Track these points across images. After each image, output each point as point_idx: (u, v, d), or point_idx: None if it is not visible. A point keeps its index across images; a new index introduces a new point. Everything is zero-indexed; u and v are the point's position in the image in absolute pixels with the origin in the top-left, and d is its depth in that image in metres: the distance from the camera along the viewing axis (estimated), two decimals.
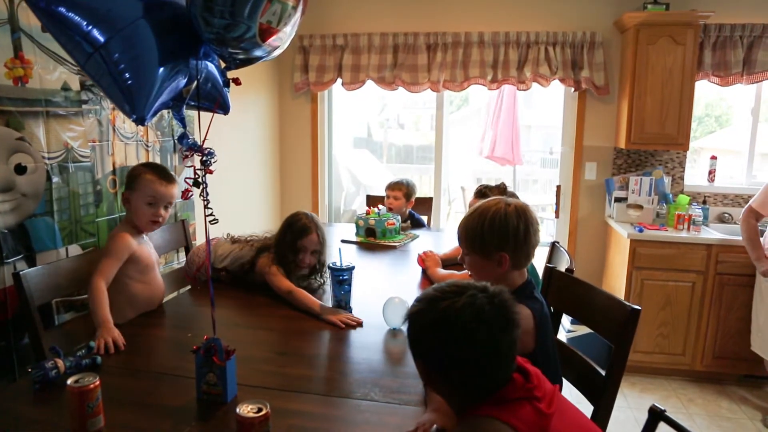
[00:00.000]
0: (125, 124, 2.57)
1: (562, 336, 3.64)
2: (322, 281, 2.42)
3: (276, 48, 1.42)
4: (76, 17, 1.19)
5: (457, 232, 1.64)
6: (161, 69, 1.29)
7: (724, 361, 3.47)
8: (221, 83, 1.50)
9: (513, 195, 2.32)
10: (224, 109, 1.56)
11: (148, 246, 2.17)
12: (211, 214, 1.39)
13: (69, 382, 1.28)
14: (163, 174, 2.10)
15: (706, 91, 3.93)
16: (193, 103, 1.46)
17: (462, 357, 1.04)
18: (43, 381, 1.48)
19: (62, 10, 1.17)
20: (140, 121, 1.27)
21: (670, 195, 3.80)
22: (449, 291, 1.08)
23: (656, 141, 3.60)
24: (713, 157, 3.97)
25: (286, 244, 2.31)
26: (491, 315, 1.04)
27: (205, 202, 1.37)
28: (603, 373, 1.64)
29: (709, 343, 3.46)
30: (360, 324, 1.98)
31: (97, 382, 1.29)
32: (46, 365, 1.50)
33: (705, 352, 3.48)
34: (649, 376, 3.60)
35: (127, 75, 1.22)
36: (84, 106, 2.32)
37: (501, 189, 2.46)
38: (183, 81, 1.35)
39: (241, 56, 1.36)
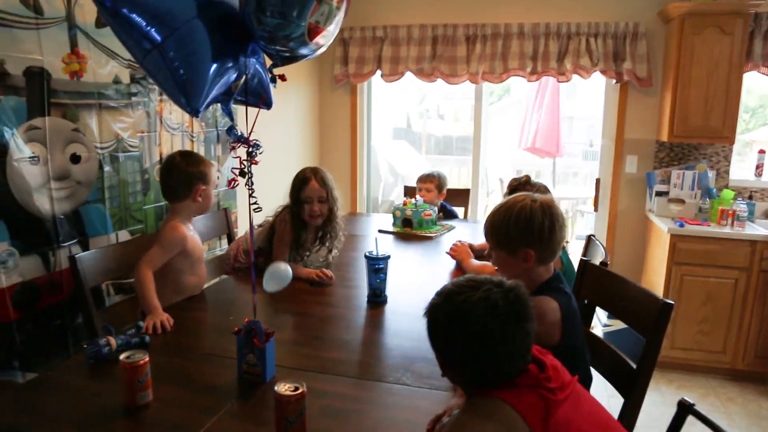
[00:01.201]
0: (171, 116, 2.68)
1: (599, 330, 3.63)
2: (336, 241, 2.55)
3: (321, 46, 1.49)
4: (138, 17, 1.29)
5: (483, 227, 1.67)
6: (214, 65, 1.37)
7: (767, 361, 3.41)
8: (266, 80, 1.57)
9: (542, 187, 2.33)
10: (268, 104, 1.64)
11: (195, 236, 2.22)
12: (255, 203, 1.47)
13: (121, 357, 1.39)
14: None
15: (762, 82, 3.83)
16: (240, 98, 1.54)
17: (477, 350, 1.09)
18: (97, 357, 1.59)
19: (125, 10, 1.27)
20: (195, 113, 1.36)
21: (714, 190, 3.73)
22: (466, 286, 1.13)
23: (700, 134, 3.54)
24: (761, 151, 3.87)
25: (294, 200, 2.45)
26: (505, 309, 1.09)
27: (250, 191, 1.46)
28: (634, 366, 1.66)
29: (752, 342, 3.40)
30: (331, 278, 2.30)
31: (147, 359, 1.39)
32: (100, 342, 1.61)
33: (747, 350, 3.42)
34: (688, 373, 3.56)
35: (182, 70, 1.31)
36: (133, 99, 2.44)
37: (525, 182, 2.46)
38: (233, 76, 1.43)
39: (288, 54, 1.44)
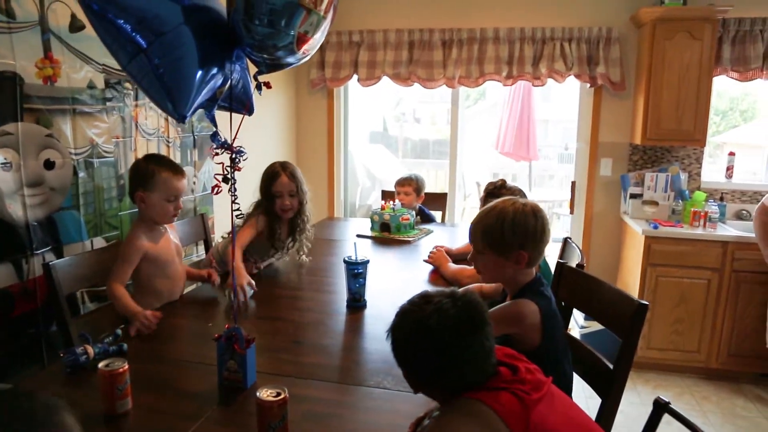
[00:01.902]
0: (147, 121, 2.67)
1: (576, 332, 3.69)
2: (305, 237, 2.60)
3: (307, 55, 1.51)
4: (124, 21, 1.29)
5: (469, 231, 1.70)
6: (200, 71, 1.38)
7: (740, 359, 3.50)
8: (250, 86, 1.58)
9: (517, 191, 2.37)
10: (250, 111, 1.65)
11: (166, 238, 2.21)
12: (238, 209, 1.48)
13: (100, 366, 1.38)
14: (176, 169, 2.15)
15: (731, 86, 3.93)
16: (224, 104, 1.55)
17: (441, 361, 1.12)
18: (74, 365, 1.58)
19: (112, 14, 1.27)
20: (181, 119, 1.36)
21: (687, 192, 3.82)
22: (419, 302, 1.17)
23: (673, 137, 3.63)
24: (731, 153, 3.98)
25: (264, 194, 2.50)
26: (457, 318, 1.12)
27: (233, 198, 1.47)
28: (611, 367, 1.69)
29: (725, 341, 3.49)
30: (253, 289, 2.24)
31: (126, 367, 1.38)
32: (77, 350, 1.60)
33: (720, 349, 3.51)
34: (663, 373, 3.64)
35: (169, 76, 1.31)
36: (108, 104, 2.43)
37: (500, 185, 2.50)
38: (219, 82, 1.44)
39: (274, 62, 1.45)
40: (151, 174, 2.07)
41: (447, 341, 1.11)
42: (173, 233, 2.28)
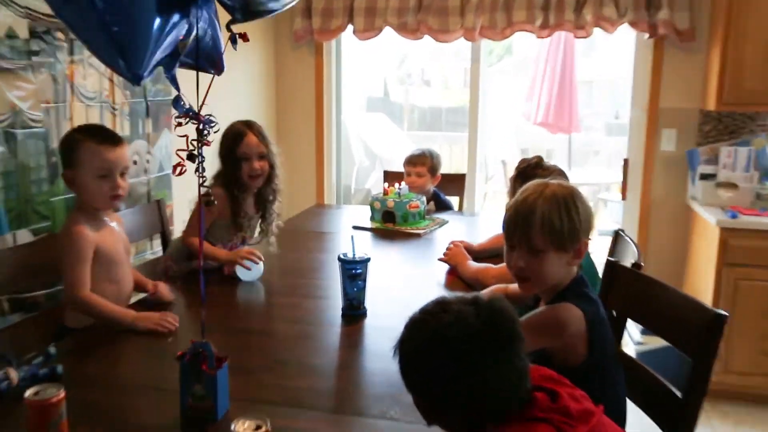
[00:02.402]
0: (86, 81, 2.66)
1: (631, 349, 3.69)
2: (275, 208, 2.69)
3: None
4: None
5: (510, 224, 1.68)
6: (159, 17, 1.35)
7: None
8: (220, 38, 1.57)
9: (557, 170, 2.37)
10: (220, 69, 1.63)
11: (111, 232, 2.18)
12: (207, 194, 1.46)
13: (27, 394, 1.36)
14: (107, 136, 2.11)
15: None
16: (188, 61, 1.53)
17: (456, 386, 1.12)
18: None
19: None
20: (136, 79, 1.34)
21: None
22: (434, 310, 1.18)
23: (759, 101, 3.59)
24: None
25: (227, 160, 2.54)
26: (480, 331, 1.13)
27: (202, 179, 1.45)
28: (679, 395, 1.68)
29: None
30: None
31: (62, 395, 1.36)
32: None
33: None
34: (747, 405, 3.60)
35: (119, 25, 1.28)
36: (35, 59, 2.41)
37: (536, 164, 2.50)
38: (182, 32, 1.42)
39: (256, 7, 1.43)
40: (74, 145, 2.05)
41: (468, 359, 1.11)
42: (119, 226, 2.25)
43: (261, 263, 2.45)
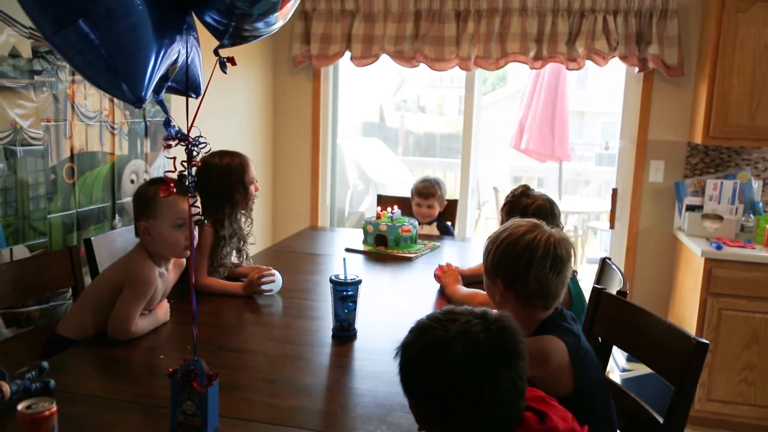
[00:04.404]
0: (87, 101, 2.67)
1: (616, 376, 3.69)
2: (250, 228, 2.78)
3: (278, 22, 1.52)
4: None
5: (511, 263, 1.72)
6: (157, 41, 1.37)
7: None
8: (200, 62, 1.59)
9: (541, 200, 2.41)
10: (197, 91, 1.65)
11: (164, 277, 2.22)
12: (198, 214, 1.48)
13: (20, 407, 1.36)
14: (181, 188, 2.17)
15: None
16: (172, 85, 1.55)
17: (457, 394, 1.13)
18: None
19: None
20: (139, 102, 1.36)
21: (761, 204, 3.82)
22: (442, 319, 1.18)
23: (744, 135, 3.61)
24: None
25: (239, 188, 2.62)
26: (487, 345, 1.13)
27: (192, 200, 1.46)
28: (661, 421, 1.68)
29: None
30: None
31: (54, 409, 1.37)
32: None
33: None
34: None
35: (123, 48, 1.30)
36: (37, 78, 2.43)
37: (521, 193, 2.53)
38: (174, 57, 1.44)
39: (247, 32, 1.45)
40: (151, 198, 2.10)
41: (471, 373, 1.11)
42: (170, 265, 2.28)
43: (276, 273, 2.55)
